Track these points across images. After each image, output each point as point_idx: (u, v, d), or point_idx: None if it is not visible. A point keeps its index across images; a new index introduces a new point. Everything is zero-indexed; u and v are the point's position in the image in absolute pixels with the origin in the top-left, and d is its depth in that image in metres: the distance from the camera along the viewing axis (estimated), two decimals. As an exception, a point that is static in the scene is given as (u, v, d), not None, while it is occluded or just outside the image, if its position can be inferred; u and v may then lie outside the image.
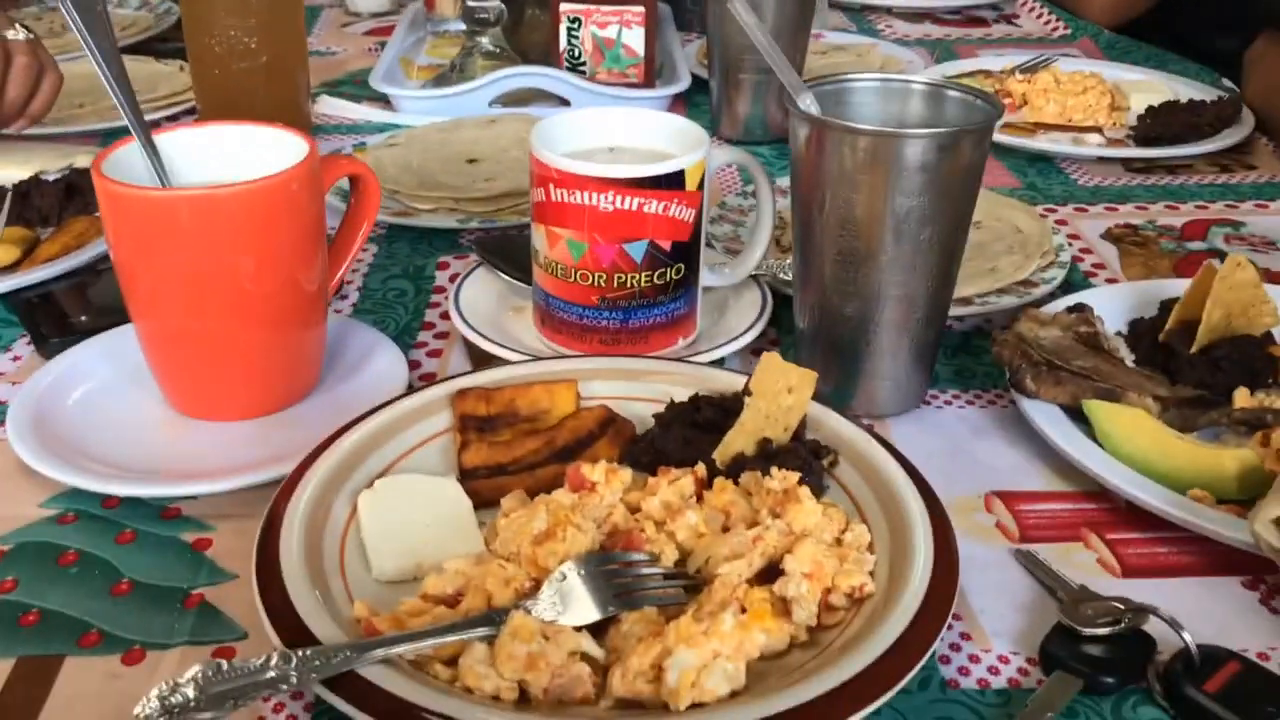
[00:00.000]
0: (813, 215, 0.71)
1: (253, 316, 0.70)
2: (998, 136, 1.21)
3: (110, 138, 1.19)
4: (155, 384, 0.73)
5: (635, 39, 1.28)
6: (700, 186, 0.75)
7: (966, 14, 1.74)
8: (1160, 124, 1.22)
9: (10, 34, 1.01)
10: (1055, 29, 1.67)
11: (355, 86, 1.38)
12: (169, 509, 0.65)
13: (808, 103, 0.69)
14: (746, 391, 0.63)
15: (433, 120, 1.24)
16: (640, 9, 1.27)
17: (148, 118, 1.16)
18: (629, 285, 0.75)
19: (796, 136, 0.70)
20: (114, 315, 0.77)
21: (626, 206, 0.73)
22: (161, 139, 0.72)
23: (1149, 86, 1.34)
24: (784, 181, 0.97)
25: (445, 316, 0.87)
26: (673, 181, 0.73)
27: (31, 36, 1.03)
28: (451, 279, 0.92)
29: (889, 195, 0.67)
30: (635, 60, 1.29)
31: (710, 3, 1.20)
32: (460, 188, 1.05)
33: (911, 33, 1.66)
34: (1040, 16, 1.72)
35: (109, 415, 0.71)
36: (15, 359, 0.81)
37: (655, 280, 0.76)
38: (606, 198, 0.73)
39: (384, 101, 1.30)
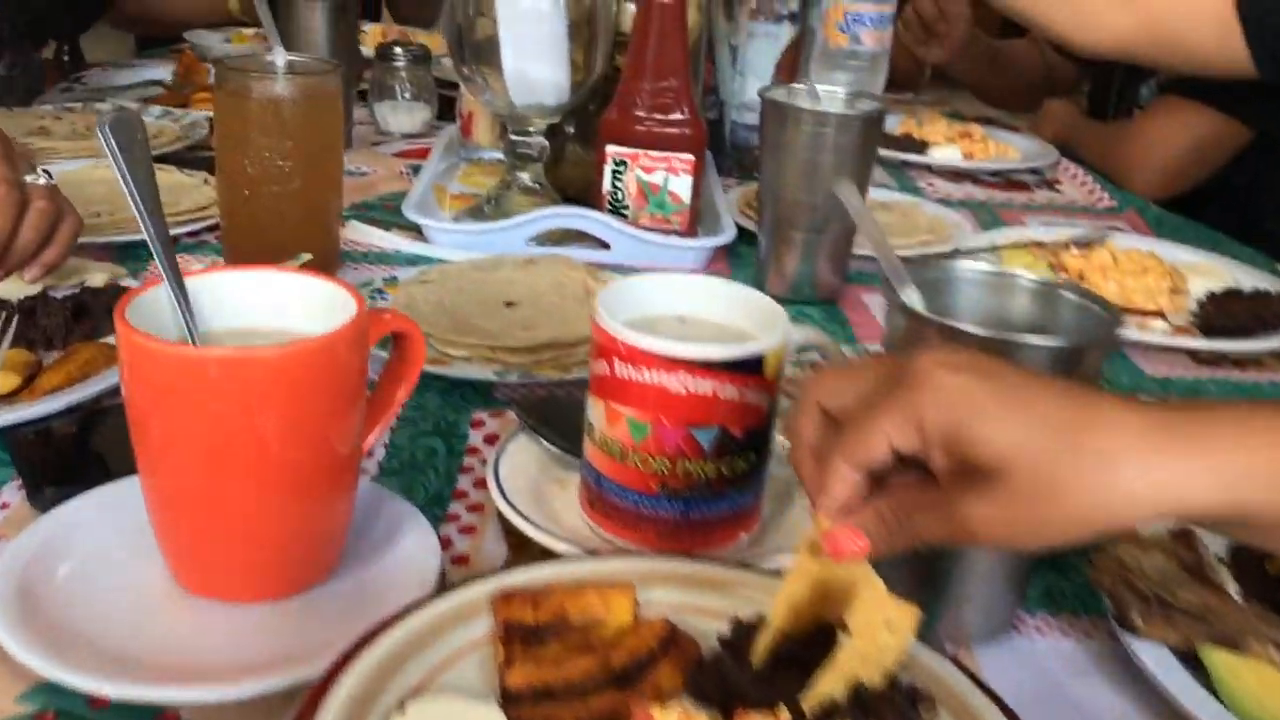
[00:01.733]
0: (905, 416, 0.64)
1: (278, 483, 0.62)
2: (1058, 315, 1.15)
3: (128, 252, 1.12)
4: (159, 551, 0.65)
5: (682, 186, 1.23)
6: (779, 371, 0.69)
7: (1007, 177, 1.71)
8: (1224, 313, 1.17)
9: (30, 177, 0.96)
10: (1100, 199, 1.63)
11: (385, 212, 1.33)
12: (165, 714, 0.56)
13: (912, 298, 0.63)
14: (842, 626, 0.55)
15: (465, 255, 1.18)
16: (690, 157, 1.22)
17: (169, 232, 1.10)
18: (694, 474, 0.68)
19: (895, 326, 0.64)
20: (118, 464, 0.70)
21: (700, 390, 0.66)
22: (194, 283, 0.65)
23: (1208, 270, 1.29)
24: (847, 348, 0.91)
25: (479, 484, 0.79)
26: (752, 366, 0.67)
27: (52, 181, 0.98)
28: (486, 440, 0.85)
29: (997, 404, 0.61)
30: (680, 208, 1.24)
31: (766, 154, 1.15)
32: (496, 333, 0.98)
33: (953, 193, 1.62)
34: (1084, 185, 1.69)
35: (104, 588, 0.63)
36: (3, 506, 0.72)
37: (723, 470, 0.68)
38: (678, 378, 0.66)
39: (414, 230, 1.25)
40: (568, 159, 1.39)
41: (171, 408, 0.60)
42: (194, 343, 0.63)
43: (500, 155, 1.46)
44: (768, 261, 1.19)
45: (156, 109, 1.58)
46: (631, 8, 1.30)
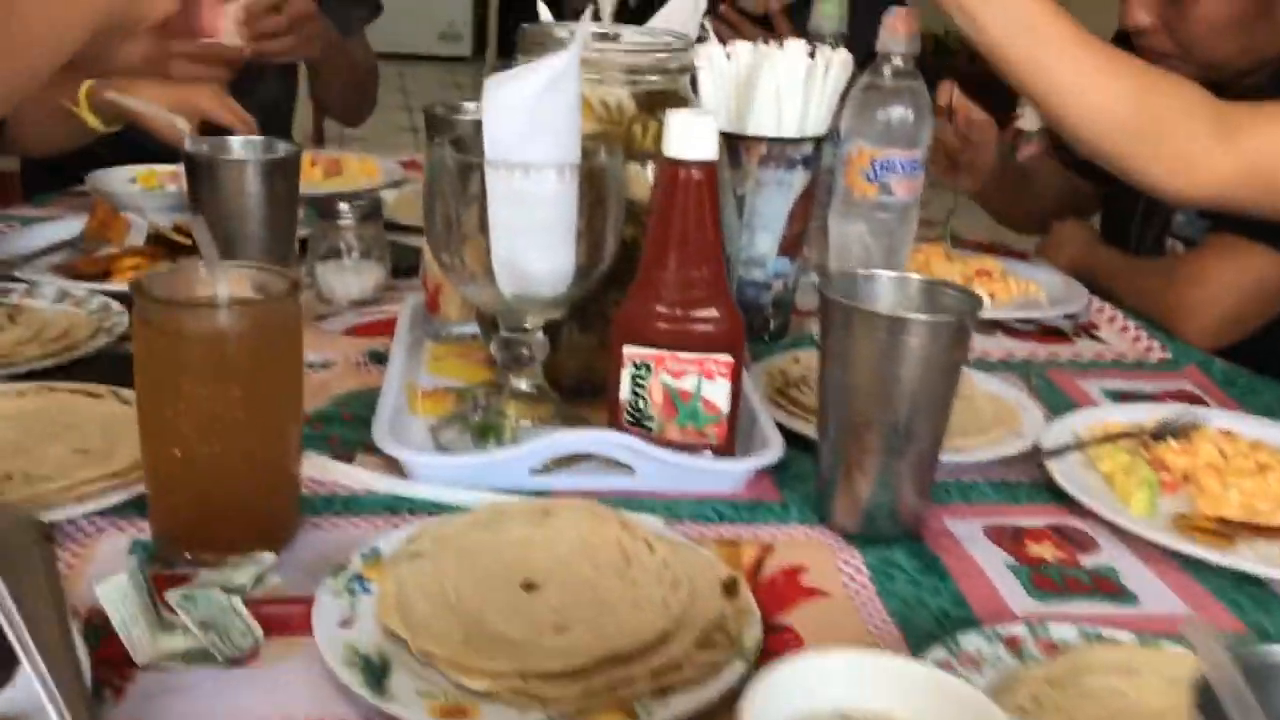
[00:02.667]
0: None
1: None
2: (1189, 548, 0.95)
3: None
4: None
5: (718, 393, 1.01)
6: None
7: (1040, 324, 1.52)
8: (1373, 526, 0.98)
9: None
10: (1149, 349, 1.45)
11: (347, 426, 1.08)
12: None
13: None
14: None
15: (454, 490, 0.95)
16: (727, 358, 1.00)
17: (63, 512, 0.84)
18: None
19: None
20: None
21: None
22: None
23: (1321, 458, 1.11)
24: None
25: None
26: None
27: None
28: None
29: None
30: (716, 419, 1.01)
31: (829, 360, 0.94)
32: (523, 644, 0.74)
33: (990, 350, 1.42)
34: (1126, 330, 1.50)
35: None
36: None
37: None
38: None
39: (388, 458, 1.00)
40: (564, 346, 1.15)
41: None
42: None
43: (475, 329, 1.23)
44: (833, 486, 0.96)
45: (50, 289, 1.29)
46: (642, 170, 1.09)
